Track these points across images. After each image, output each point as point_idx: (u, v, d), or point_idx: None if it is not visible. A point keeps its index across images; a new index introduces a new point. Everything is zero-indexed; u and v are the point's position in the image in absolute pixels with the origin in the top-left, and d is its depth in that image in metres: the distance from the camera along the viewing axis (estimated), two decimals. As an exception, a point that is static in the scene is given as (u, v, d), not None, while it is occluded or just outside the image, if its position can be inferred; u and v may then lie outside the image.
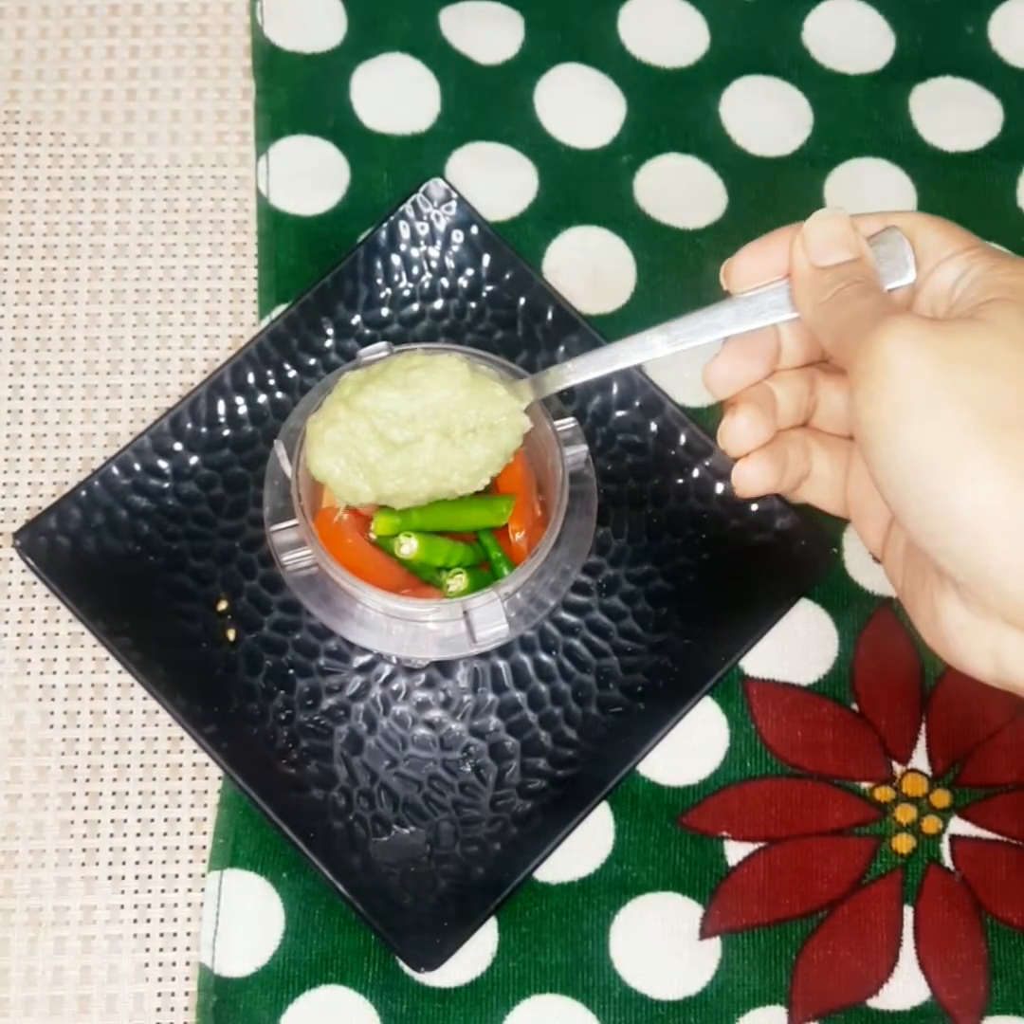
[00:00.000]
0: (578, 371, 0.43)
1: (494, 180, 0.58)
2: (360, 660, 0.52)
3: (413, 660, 0.51)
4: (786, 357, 0.41)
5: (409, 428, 0.44)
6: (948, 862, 0.51)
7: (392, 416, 0.44)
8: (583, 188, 0.58)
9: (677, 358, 0.56)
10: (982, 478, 0.32)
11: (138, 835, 0.51)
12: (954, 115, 0.60)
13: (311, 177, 0.58)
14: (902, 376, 0.33)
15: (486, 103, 0.59)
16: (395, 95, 0.59)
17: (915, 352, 0.33)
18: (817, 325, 0.38)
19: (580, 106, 0.59)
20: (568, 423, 0.47)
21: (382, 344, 0.48)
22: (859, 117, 0.60)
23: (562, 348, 0.54)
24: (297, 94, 0.59)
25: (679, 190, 0.58)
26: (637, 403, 0.54)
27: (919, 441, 0.33)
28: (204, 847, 0.51)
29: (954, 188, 0.59)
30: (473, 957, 0.49)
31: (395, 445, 0.44)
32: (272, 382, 0.54)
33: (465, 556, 0.47)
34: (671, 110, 0.60)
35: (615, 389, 0.54)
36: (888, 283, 0.38)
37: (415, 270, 0.55)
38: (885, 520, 0.40)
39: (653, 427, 0.54)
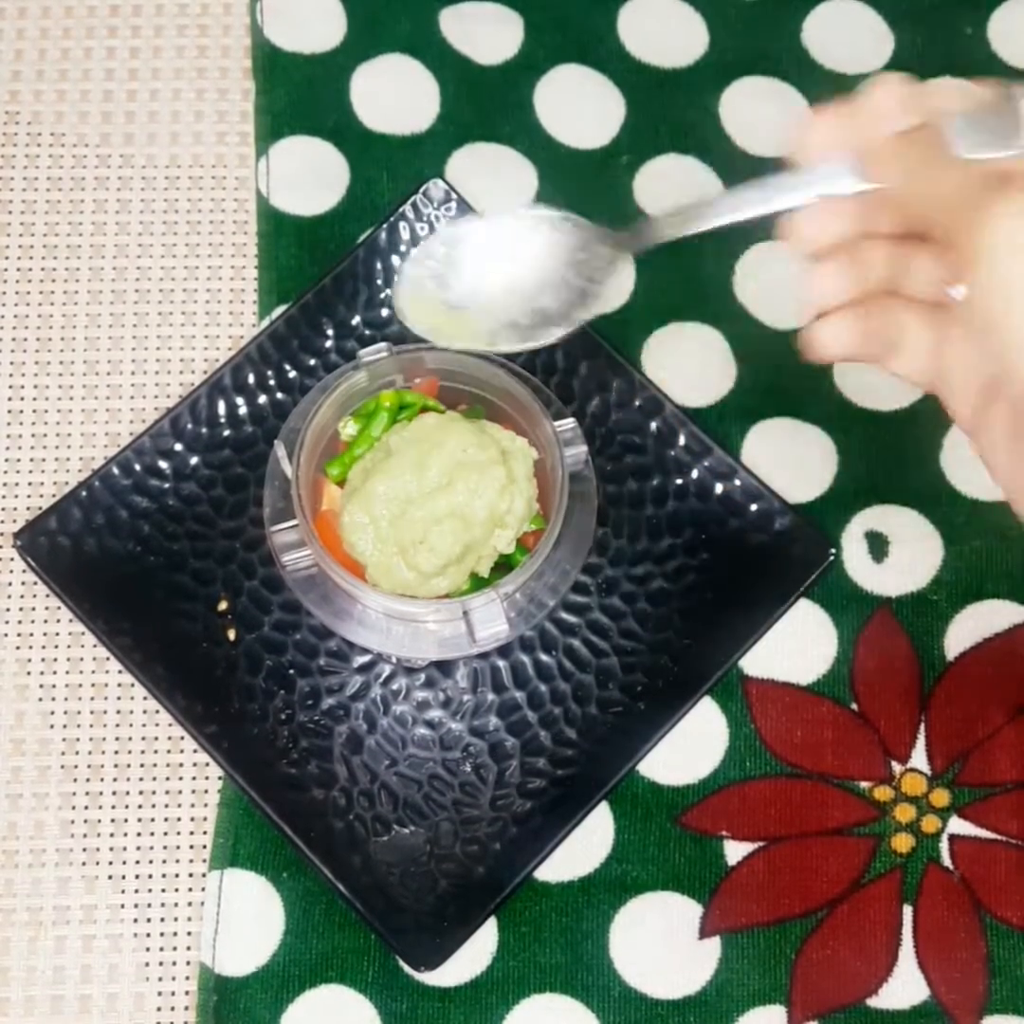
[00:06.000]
0: (676, 224, 0.39)
1: (494, 181, 0.58)
2: (360, 660, 0.52)
3: (413, 660, 0.51)
4: (869, 227, 0.38)
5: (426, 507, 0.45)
6: (947, 861, 0.51)
7: (406, 501, 0.46)
8: (583, 189, 0.58)
9: (678, 358, 0.57)
10: None
11: (138, 835, 0.51)
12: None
13: (311, 178, 0.58)
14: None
15: (486, 104, 0.59)
16: (395, 96, 0.59)
17: None
18: (910, 194, 0.35)
19: (579, 107, 0.59)
20: (568, 424, 0.47)
21: (382, 345, 0.48)
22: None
23: (560, 350, 0.54)
24: (297, 95, 0.59)
25: (679, 191, 0.58)
26: (637, 403, 0.54)
27: None
28: (204, 847, 0.51)
29: (954, 188, 0.59)
30: (473, 956, 0.49)
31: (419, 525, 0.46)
32: (272, 382, 0.54)
33: None
34: (671, 110, 0.59)
35: (614, 389, 0.54)
36: (991, 150, 0.35)
37: (415, 270, 0.55)
38: (978, 395, 0.37)
39: (653, 427, 0.54)
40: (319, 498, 0.48)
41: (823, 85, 0.60)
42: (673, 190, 0.58)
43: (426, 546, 0.45)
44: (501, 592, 0.45)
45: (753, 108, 0.60)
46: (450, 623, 0.46)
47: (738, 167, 0.59)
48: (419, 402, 0.49)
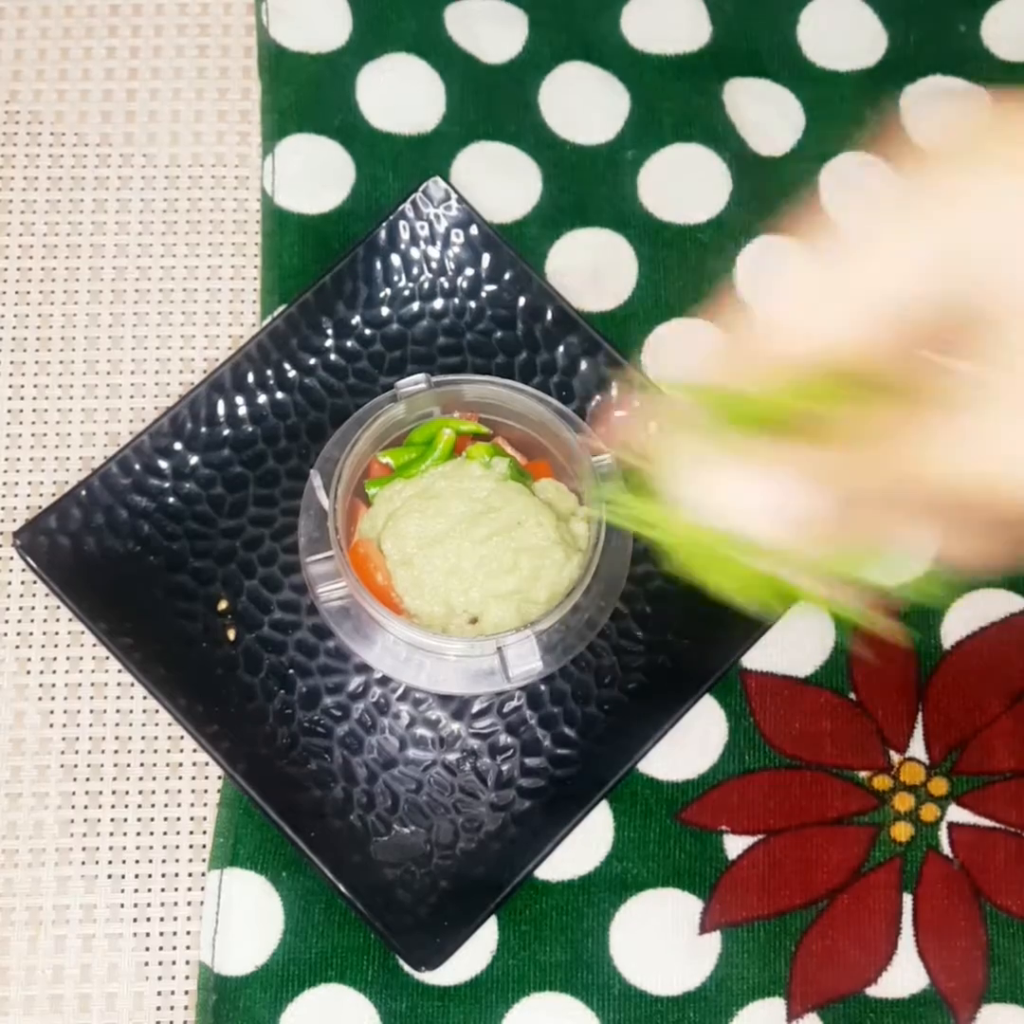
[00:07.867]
0: None
1: (499, 180, 0.58)
2: (360, 660, 0.52)
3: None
4: None
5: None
6: (947, 850, 0.51)
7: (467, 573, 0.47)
8: (587, 187, 0.58)
9: (679, 355, 0.57)
10: None
11: (138, 834, 0.51)
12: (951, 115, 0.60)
13: (316, 177, 0.58)
14: None
15: (491, 102, 0.59)
16: (400, 95, 0.59)
17: None
18: None
19: (584, 104, 0.59)
20: (605, 459, 0.48)
21: (420, 376, 0.49)
22: (854, 115, 0.60)
23: (561, 348, 0.55)
24: (303, 94, 0.59)
25: (681, 185, 0.58)
26: (637, 403, 0.54)
27: None
28: (204, 846, 0.50)
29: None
30: (473, 955, 0.50)
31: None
32: (272, 382, 0.54)
33: None
34: (674, 105, 0.59)
35: (614, 390, 0.54)
36: None
37: (415, 270, 0.56)
38: None
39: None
40: (353, 530, 0.49)
41: (817, 83, 0.60)
42: (675, 185, 0.58)
43: (485, 622, 0.47)
44: (536, 629, 0.46)
45: (756, 104, 0.60)
46: (485, 659, 0.46)
47: (740, 162, 0.59)
48: (470, 430, 0.50)
